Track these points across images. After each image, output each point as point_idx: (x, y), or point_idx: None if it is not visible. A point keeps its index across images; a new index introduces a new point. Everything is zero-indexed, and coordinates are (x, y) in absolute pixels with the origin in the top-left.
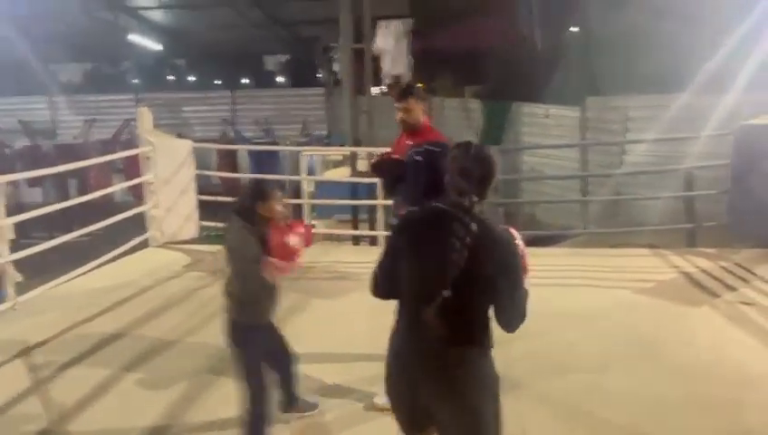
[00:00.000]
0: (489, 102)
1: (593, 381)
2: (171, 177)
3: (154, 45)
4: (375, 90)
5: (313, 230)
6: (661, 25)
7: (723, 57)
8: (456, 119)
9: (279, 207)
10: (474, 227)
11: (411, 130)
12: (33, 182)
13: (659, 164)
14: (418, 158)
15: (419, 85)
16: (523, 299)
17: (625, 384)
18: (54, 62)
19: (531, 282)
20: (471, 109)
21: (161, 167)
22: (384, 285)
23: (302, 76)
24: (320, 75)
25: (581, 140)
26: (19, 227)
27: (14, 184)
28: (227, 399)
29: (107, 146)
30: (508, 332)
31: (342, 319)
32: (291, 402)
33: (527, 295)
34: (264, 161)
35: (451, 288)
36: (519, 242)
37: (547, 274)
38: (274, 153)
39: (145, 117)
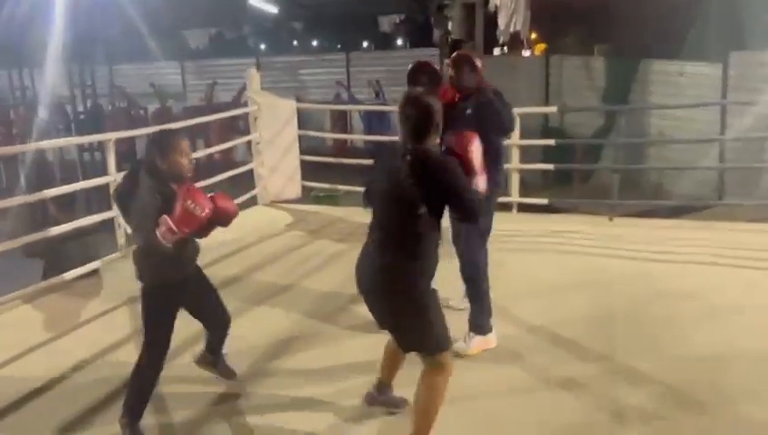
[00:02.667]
0: (614, 61)
1: (711, 374)
2: (275, 137)
3: (271, 8)
4: (496, 50)
5: None
6: None
7: None
8: (576, 79)
9: (183, 161)
10: (408, 158)
11: (462, 90)
12: None
13: None
14: (469, 111)
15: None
16: (470, 201)
17: (746, 380)
18: (183, 29)
19: (655, 257)
20: (594, 68)
21: (266, 127)
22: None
23: (418, 37)
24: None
25: (722, 100)
26: None
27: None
28: (303, 361)
29: (229, 107)
30: (468, 221)
31: (440, 286)
32: (210, 361)
33: (474, 194)
34: (374, 122)
35: (391, 205)
36: (471, 148)
37: (673, 248)
38: (384, 114)
39: (254, 79)
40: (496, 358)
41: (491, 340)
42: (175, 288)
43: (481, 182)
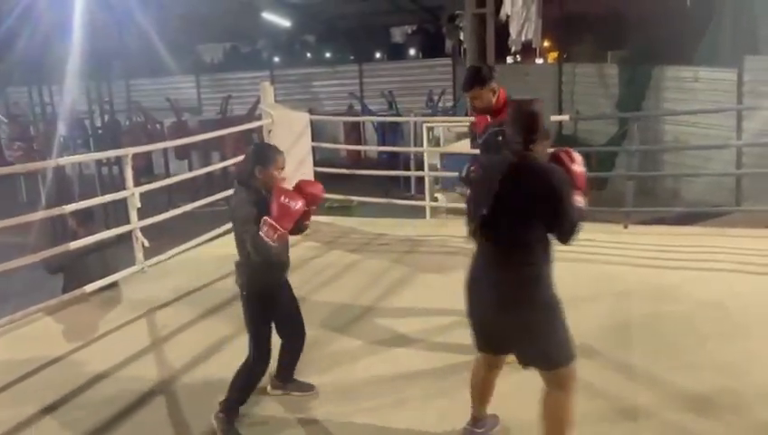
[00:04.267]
0: (628, 68)
1: (726, 383)
2: (290, 148)
3: (284, 22)
4: (509, 59)
5: (435, 204)
6: None
7: None
8: (589, 86)
9: (279, 175)
10: (515, 160)
11: (485, 113)
12: (180, 155)
13: None
14: (500, 138)
15: (484, 68)
16: (574, 215)
17: (764, 388)
18: (198, 43)
19: (670, 264)
20: (608, 75)
21: (280, 138)
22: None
23: (430, 47)
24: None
25: (737, 105)
26: (167, 196)
27: (164, 157)
28: (328, 365)
29: (243, 121)
30: (564, 242)
31: (448, 295)
32: (285, 379)
33: (579, 212)
34: (387, 133)
35: (492, 214)
36: (575, 166)
37: (690, 256)
38: (397, 125)
39: (267, 91)
40: (515, 366)
41: None
42: (273, 294)
43: (581, 200)
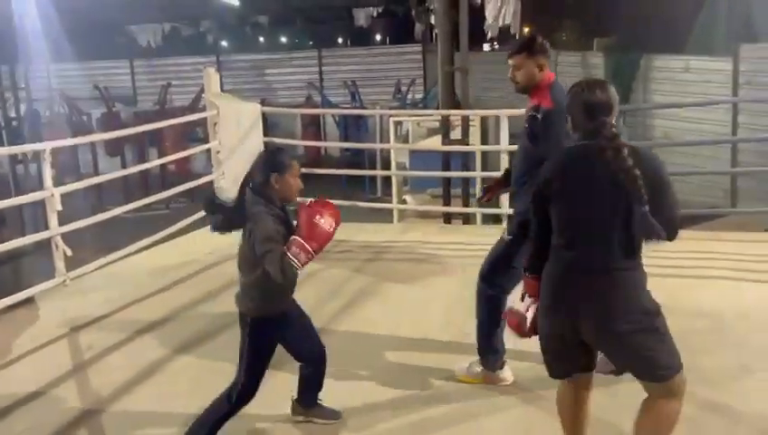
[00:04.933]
0: (614, 56)
1: (718, 398)
2: (238, 145)
3: (232, 1)
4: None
5: (404, 206)
6: None
7: None
8: (573, 76)
9: (296, 182)
10: (627, 150)
11: (523, 90)
12: (111, 151)
13: None
14: (526, 125)
15: (539, 38)
16: (676, 201)
17: (758, 406)
18: (132, 24)
19: (659, 271)
20: (593, 65)
21: (226, 133)
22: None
23: (397, 32)
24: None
25: (731, 97)
26: (95, 198)
27: (92, 153)
28: (275, 389)
29: (185, 112)
30: (671, 237)
31: (416, 308)
32: (308, 404)
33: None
34: (350, 128)
35: (610, 205)
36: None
37: (681, 262)
38: (361, 119)
39: (211, 79)
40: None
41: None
42: (280, 319)
43: None
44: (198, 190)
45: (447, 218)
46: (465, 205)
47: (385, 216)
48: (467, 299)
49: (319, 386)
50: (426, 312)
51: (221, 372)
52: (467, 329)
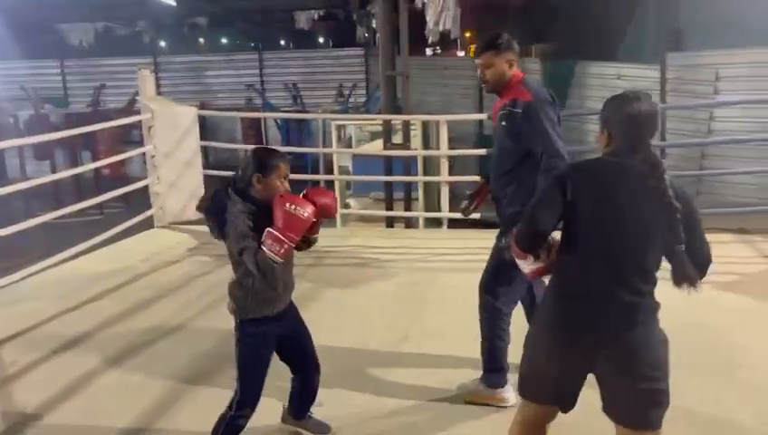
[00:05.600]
0: (549, 63)
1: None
2: (173, 149)
3: (169, 0)
4: (428, 51)
5: (347, 211)
6: None
7: None
8: None
9: (280, 185)
10: (668, 178)
11: (493, 89)
12: (40, 154)
13: (754, 132)
14: (503, 123)
15: (505, 35)
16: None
17: (684, 401)
18: (62, 22)
19: None
20: (531, 70)
21: (162, 137)
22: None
23: (339, 36)
24: (365, 34)
25: (660, 104)
26: (23, 204)
27: (19, 157)
28: (208, 405)
29: (120, 115)
30: (703, 275)
31: (356, 313)
32: (298, 416)
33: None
34: (292, 132)
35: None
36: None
37: None
38: (303, 123)
39: (146, 81)
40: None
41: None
42: (275, 322)
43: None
44: (134, 195)
45: (390, 222)
46: (408, 208)
47: (327, 220)
48: (408, 303)
49: (311, 398)
50: (366, 317)
51: (150, 387)
52: (408, 333)
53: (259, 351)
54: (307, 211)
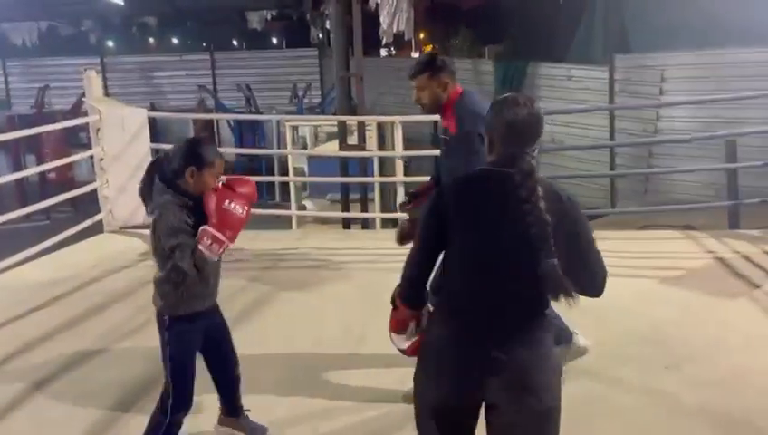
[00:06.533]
0: (502, 63)
1: (594, 387)
2: (122, 152)
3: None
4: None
5: (303, 213)
6: None
7: None
8: (465, 82)
9: (213, 183)
10: (541, 189)
11: (429, 111)
12: None
13: (699, 131)
14: (444, 147)
15: (439, 57)
16: (600, 254)
17: (629, 391)
18: (5, 21)
19: None
20: (483, 72)
21: (110, 139)
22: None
23: (293, 36)
24: (319, 35)
25: (609, 104)
26: None
27: None
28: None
29: (66, 117)
30: (594, 295)
31: (312, 316)
32: (232, 413)
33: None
34: (245, 133)
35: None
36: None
37: None
38: (257, 124)
39: (93, 82)
40: None
41: None
42: (201, 319)
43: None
44: (82, 200)
45: (347, 224)
46: (364, 210)
47: (284, 222)
48: (365, 304)
49: (236, 394)
50: (322, 319)
51: (103, 395)
52: (365, 334)
53: (190, 349)
54: (244, 207)
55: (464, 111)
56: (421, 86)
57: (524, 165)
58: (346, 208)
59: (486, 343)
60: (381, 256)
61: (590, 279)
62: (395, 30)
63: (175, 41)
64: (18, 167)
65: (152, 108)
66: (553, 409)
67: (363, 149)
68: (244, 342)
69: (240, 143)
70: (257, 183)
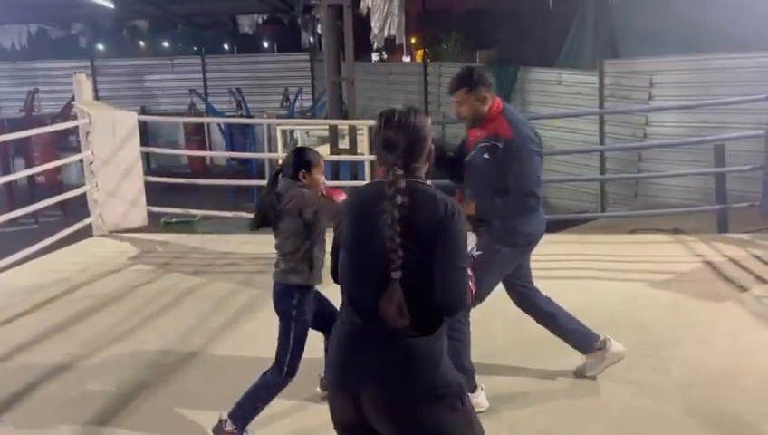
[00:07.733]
0: (493, 68)
1: (582, 389)
2: (112, 155)
3: (106, 2)
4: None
5: None
6: None
7: (762, 11)
8: None
9: (321, 178)
10: (400, 199)
11: (472, 125)
12: None
13: (688, 136)
14: (486, 155)
15: (476, 71)
16: (464, 277)
17: (618, 394)
18: None
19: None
20: None
21: (101, 143)
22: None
23: (285, 40)
24: (311, 39)
25: (599, 109)
26: None
27: None
28: (151, 415)
29: (55, 120)
30: (446, 314)
31: None
32: (234, 418)
33: (468, 277)
34: (236, 137)
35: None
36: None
37: (553, 265)
38: (248, 128)
39: (82, 85)
40: None
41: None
42: (314, 290)
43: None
44: (71, 203)
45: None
46: None
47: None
48: None
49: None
50: None
51: (92, 400)
52: None
53: (310, 316)
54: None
55: (516, 119)
56: (460, 101)
57: (390, 175)
58: None
59: (357, 370)
60: None
61: (444, 296)
62: (386, 35)
63: (166, 44)
64: (7, 170)
65: (143, 111)
66: (431, 413)
67: (354, 152)
68: (231, 347)
69: (231, 147)
70: (248, 187)
